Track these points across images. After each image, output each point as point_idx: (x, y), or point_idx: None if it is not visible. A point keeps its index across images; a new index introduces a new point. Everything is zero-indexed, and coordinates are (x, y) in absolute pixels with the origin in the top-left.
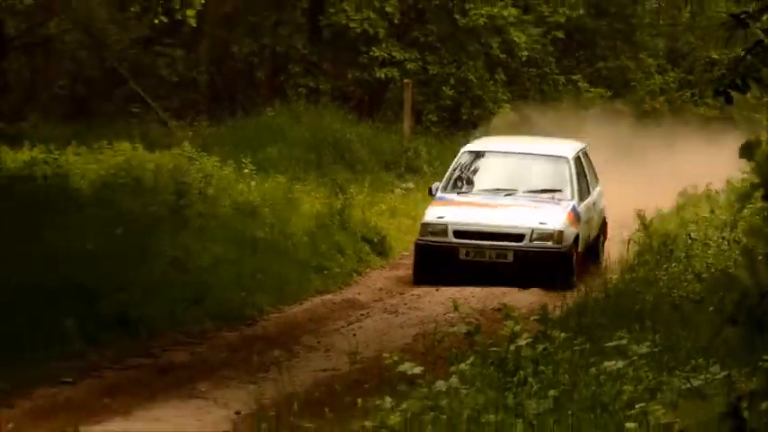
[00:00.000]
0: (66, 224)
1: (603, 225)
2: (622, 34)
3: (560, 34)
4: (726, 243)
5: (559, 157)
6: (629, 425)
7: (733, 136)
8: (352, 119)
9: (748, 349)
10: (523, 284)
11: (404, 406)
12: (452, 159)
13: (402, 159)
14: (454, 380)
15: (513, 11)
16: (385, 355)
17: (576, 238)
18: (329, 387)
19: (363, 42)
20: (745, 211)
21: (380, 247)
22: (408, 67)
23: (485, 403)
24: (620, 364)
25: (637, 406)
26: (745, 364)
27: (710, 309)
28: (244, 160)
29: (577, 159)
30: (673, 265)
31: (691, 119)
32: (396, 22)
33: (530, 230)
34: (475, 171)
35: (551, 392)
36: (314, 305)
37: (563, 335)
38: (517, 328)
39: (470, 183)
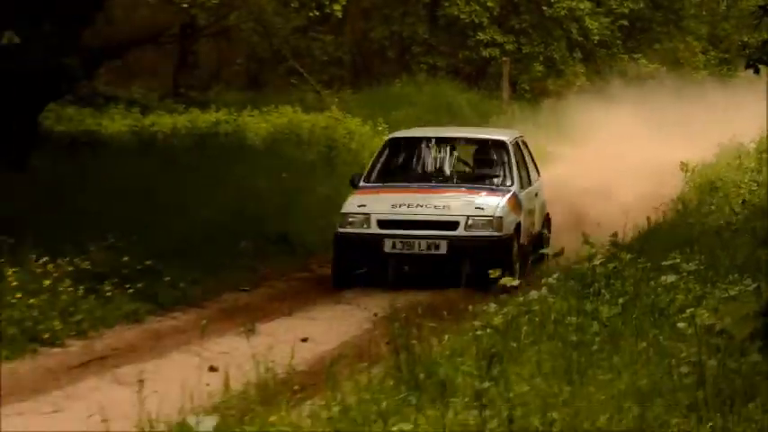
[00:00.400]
0: (243, 170)
1: (547, 220)
2: (673, 22)
3: (625, 22)
4: (755, 184)
5: (498, 140)
6: (681, 325)
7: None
8: (462, 88)
9: None
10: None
11: (504, 310)
12: (539, 120)
13: (501, 119)
14: (544, 290)
15: (588, 3)
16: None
17: (518, 226)
18: (447, 297)
19: (471, 29)
20: None
21: None
22: (507, 47)
23: (568, 309)
24: (673, 278)
25: (687, 311)
26: None
27: (746, 235)
28: (378, 120)
29: (516, 146)
30: (715, 201)
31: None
32: (495, 13)
33: (465, 217)
34: (404, 159)
35: (620, 300)
36: None
37: (629, 256)
38: (593, 250)
39: (398, 172)
